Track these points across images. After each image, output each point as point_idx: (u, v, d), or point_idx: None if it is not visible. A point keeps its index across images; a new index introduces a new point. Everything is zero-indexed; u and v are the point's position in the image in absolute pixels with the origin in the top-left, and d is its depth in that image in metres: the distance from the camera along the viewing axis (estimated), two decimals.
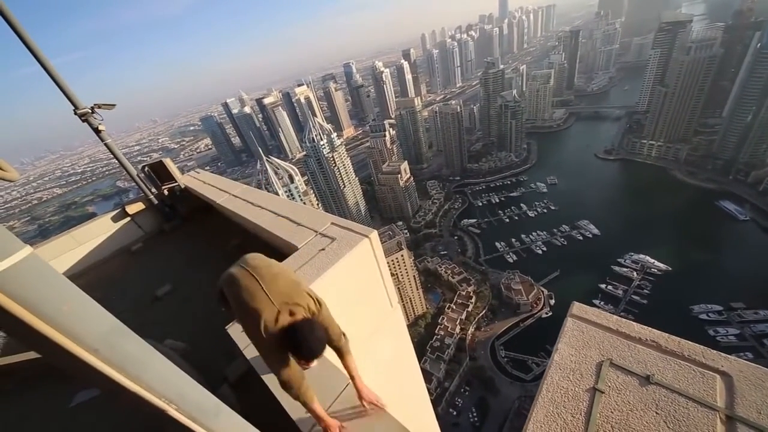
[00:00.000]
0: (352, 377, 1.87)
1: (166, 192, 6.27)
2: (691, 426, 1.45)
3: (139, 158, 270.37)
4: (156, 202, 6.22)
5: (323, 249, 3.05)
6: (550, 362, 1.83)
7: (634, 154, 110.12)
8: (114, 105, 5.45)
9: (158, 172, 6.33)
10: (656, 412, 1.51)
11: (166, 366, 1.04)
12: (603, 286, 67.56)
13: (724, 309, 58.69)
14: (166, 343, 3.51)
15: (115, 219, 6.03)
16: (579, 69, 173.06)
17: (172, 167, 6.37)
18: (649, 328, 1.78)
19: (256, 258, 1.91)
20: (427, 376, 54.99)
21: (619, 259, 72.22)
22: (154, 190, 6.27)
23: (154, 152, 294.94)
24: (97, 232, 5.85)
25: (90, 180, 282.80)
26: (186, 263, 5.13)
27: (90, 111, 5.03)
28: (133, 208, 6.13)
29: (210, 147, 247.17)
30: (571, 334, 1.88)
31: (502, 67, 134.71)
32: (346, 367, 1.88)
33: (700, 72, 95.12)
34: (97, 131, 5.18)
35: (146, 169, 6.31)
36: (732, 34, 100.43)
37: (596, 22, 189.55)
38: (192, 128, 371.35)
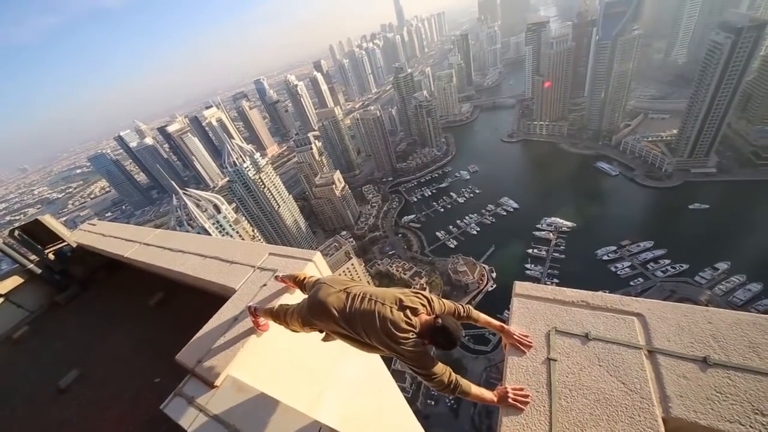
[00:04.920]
0: (494, 326, 1.96)
1: (51, 256, 5.08)
2: (626, 368, 1.65)
3: (8, 218, 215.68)
4: (39, 271, 4.97)
5: (265, 285, 2.79)
6: (506, 345, 1.96)
7: (530, 134, 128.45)
8: None
9: (36, 234, 5.10)
10: (599, 365, 1.70)
11: None
12: (530, 250, 77.00)
13: (617, 248, 72.20)
14: None
15: None
16: (474, 67, 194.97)
17: (53, 224, 5.19)
18: (578, 290, 2.05)
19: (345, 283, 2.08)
20: (400, 375, 55.25)
21: (537, 225, 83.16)
22: (33, 257, 5.01)
23: (29, 207, 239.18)
24: None
25: None
26: (95, 337, 4.21)
27: None
28: (4, 286, 4.80)
29: (108, 189, 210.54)
30: (519, 312, 2.04)
31: (410, 71, 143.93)
32: (484, 324, 1.99)
33: (563, 62, 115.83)
34: None
35: (17, 233, 5.02)
36: (578, 31, 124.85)
37: (479, 25, 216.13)
38: (79, 171, 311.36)
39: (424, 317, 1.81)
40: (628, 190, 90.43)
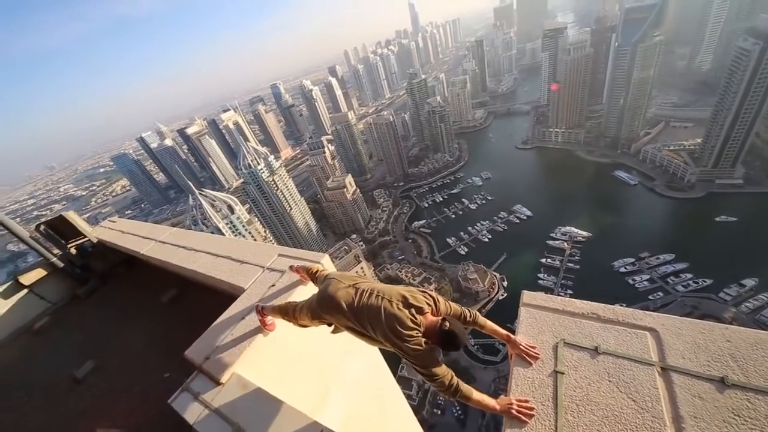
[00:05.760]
0: (500, 335, 1.97)
1: (73, 251, 5.29)
2: (637, 385, 1.58)
3: (35, 213, 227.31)
4: (61, 264, 5.19)
5: (273, 285, 2.83)
6: (512, 356, 1.92)
7: (545, 141, 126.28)
8: None
9: (60, 229, 5.33)
10: (609, 381, 1.63)
11: None
12: (543, 260, 75.18)
13: (636, 260, 69.59)
14: None
15: (6, 294, 4.88)
16: (489, 73, 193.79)
17: (76, 220, 5.41)
18: (588, 302, 1.99)
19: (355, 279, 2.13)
20: (407, 382, 54.66)
21: (551, 234, 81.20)
22: (57, 251, 5.24)
23: (55, 204, 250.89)
24: None
25: None
26: (111, 330, 4.35)
27: None
28: (29, 278, 5.02)
29: (128, 188, 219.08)
30: (526, 322, 2.00)
31: (423, 76, 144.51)
32: (490, 331, 2.00)
33: (580, 68, 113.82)
34: None
35: (43, 227, 5.26)
36: (597, 37, 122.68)
37: (495, 31, 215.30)
38: (102, 170, 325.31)
39: (430, 317, 1.83)
40: (648, 200, 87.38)
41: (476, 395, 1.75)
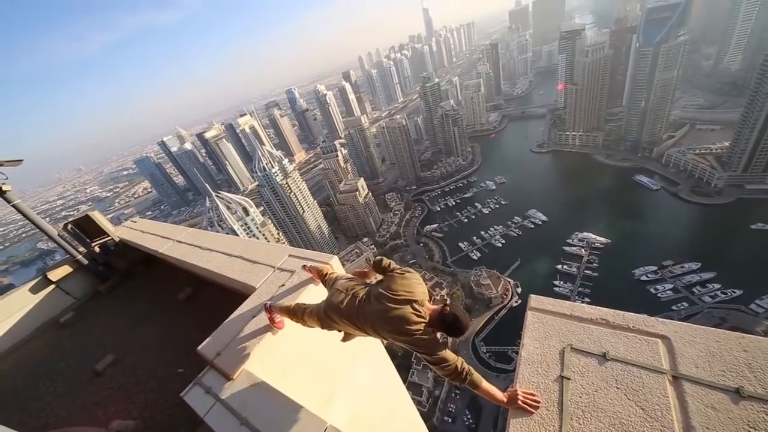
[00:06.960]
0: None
1: (97, 249, 5.56)
2: (647, 393, 1.54)
3: (63, 213, 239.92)
4: (86, 262, 5.46)
5: (283, 285, 2.90)
6: (518, 359, 1.89)
7: (561, 145, 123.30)
8: (20, 161, 4.80)
9: (86, 228, 5.62)
10: (617, 387, 1.60)
11: None
12: (559, 266, 73.03)
13: (658, 268, 66.62)
14: (112, 425, 3.03)
15: (34, 289, 5.16)
16: (503, 76, 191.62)
17: (101, 220, 5.69)
18: (597, 307, 1.94)
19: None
20: (417, 388, 53.97)
21: (567, 240, 78.88)
22: (82, 249, 5.52)
23: (81, 204, 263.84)
24: (13, 309, 4.95)
25: (1, 246, 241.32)
26: (129, 326, 4.54)
27: None
28: (56, 274, 5.30)
29: (149, 190, 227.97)
30: (533, 327, 1.97)
31: (437, 80, 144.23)
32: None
33: (599, 70, 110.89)
34: (0, 192, 4.48)
35: (70, 226, 5.56)
36: (616, 38, 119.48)
37: (510, 34, 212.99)
38: (126, 172, 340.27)
39: (429, 306, 1.86)
40: (671, 205, 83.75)
41: (485, 384, 1.76)
